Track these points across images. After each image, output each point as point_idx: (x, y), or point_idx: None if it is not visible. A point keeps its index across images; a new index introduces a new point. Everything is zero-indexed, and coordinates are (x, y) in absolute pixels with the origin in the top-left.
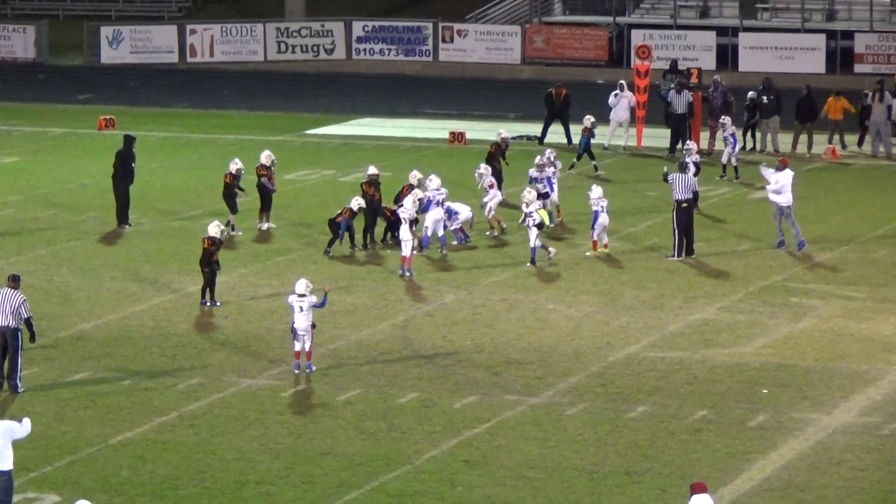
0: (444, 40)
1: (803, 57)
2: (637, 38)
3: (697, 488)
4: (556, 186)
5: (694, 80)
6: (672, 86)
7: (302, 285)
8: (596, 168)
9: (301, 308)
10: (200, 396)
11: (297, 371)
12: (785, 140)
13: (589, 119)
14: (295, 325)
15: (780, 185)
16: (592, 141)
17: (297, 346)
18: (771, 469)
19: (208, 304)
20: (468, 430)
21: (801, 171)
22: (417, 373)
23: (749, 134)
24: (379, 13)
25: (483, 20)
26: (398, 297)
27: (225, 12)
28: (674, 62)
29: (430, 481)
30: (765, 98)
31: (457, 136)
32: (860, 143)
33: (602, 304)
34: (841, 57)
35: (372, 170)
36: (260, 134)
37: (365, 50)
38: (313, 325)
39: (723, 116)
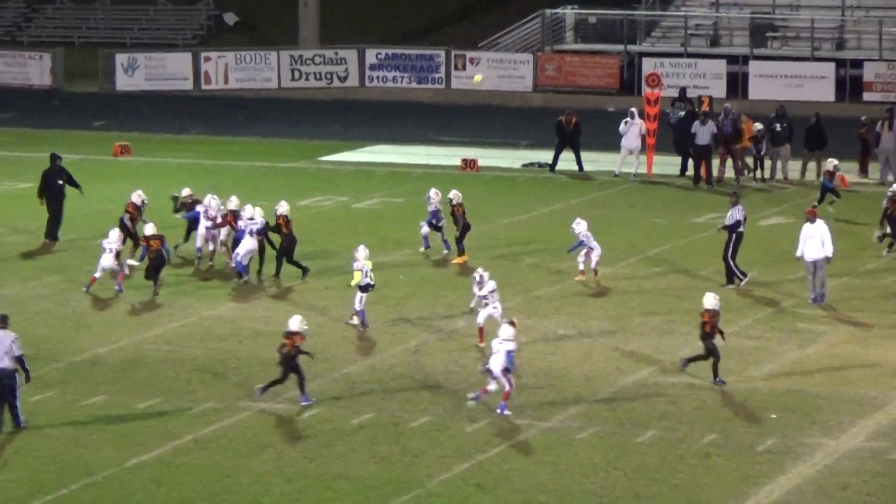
0: (456, 68)
1: (813, 85)
2: (648, 66)
3: None
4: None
5: (705, 107)
6: (681, 113)
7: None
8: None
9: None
10: (214, 420)
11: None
12: (794, 167)
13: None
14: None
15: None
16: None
17: None
18: (779, 493)
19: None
20: (479, 454)
21: (809, 198)
22: (429, 397)
23: (758, 163)
24: (392, 41)
25: (495, 48)
26: (411, 323)
27: (238, 40)
28: (682, 90)
29: None
30: (777, 126)
31: (469, 163)
32: (862, 170)
33: (612, 329)
34: (850, 85)
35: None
36: (274, 161)
37: (378, 77)
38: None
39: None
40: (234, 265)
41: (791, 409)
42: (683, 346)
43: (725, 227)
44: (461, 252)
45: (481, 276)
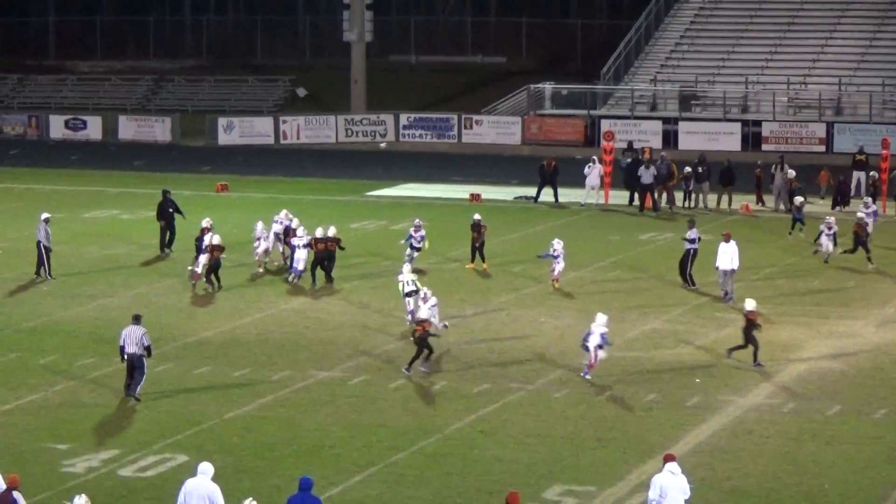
0: (465, 127)
1: (725, 139)
2: (605, 125)
3: (669, 458)
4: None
5: (647, 155)
6: (629, 160)
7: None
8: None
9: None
10: (289, 385)
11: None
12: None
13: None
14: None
15: (726, 254)
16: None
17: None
18: (702, 437)
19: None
20: (482, 408)
21: (722, 221)
22: (446, 367)
23: (687, 196)
24: (419, 108)
25: (493, 113)
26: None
27: (308, 107)
28: (630, 143)
29: (455, 445)
30: (700, 169)
31: (474, 196)
32: (759, 200)
33: (579, 318)
34: (752, 139)
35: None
36: (332, 195)
37: (409, 134)
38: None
39: None
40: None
41: (711, 375)
42: (631, 330)
43: (691, 240)
44: (483, 260)
45: (426, 294)
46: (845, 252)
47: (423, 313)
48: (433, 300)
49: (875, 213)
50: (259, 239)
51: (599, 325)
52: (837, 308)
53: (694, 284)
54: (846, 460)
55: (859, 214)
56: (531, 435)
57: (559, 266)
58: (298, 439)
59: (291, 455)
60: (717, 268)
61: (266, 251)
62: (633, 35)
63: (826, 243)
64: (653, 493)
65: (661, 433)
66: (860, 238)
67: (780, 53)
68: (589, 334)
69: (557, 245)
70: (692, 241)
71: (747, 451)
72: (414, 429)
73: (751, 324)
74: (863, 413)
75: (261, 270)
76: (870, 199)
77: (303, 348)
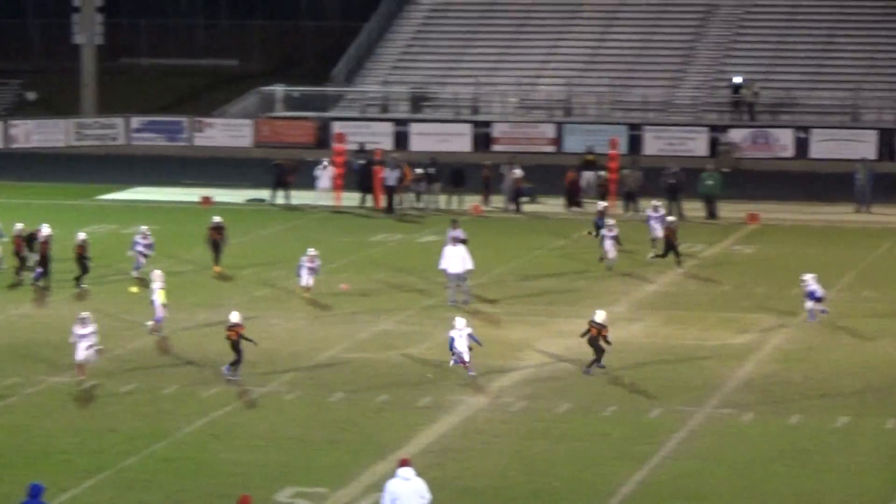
0: (197, 130)
1: (456, 140)
2: (336, 127)
3: (403, 463)
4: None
5: (378, 156)
6: (363, 161)
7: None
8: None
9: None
10: (18, 391)
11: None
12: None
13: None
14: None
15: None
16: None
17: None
18: (434, 436)
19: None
20: (214, 411)
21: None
22: (177, 370)
23: (417, 197)
24: (150, 111)
25: (225, 116)
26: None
27: (38, 111)
28: (361, 144)
29: (187, 449)
30: (431, 170)
31: (206, 199)
32: (486, 201)
33: (311, 320)
34: (483, 140)
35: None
36: (63, 199)
37: (140, 138)
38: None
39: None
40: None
41: (442, 375)
42: (362, 331)
43: (461, 240)
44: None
45: (84, 318)
46: (657, 256)
47: (82, 346)
48: (93, 326)
49: (663, 217)
50: None
51: (460, 328)
52: (567, 307)
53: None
54: (575, 458)
55: (657, 216)
56: (263, 437)
57: (310, 278)
58: (27, 445)
59: (20, 462)
60: (444, 270)
61: None
62: (364, 37)
63: (609, 248)
64: (384, 500)
65: (393, 434)
66: (671, 242)
67: (509, 55)
68: (453, 339)
69: (312, 252)
70: (460, 240)
71: (478, 451)
72: (145, 433)
73: (599, 335)
74: (591, 411)
75: None
76: (658, 203)
77: (31, 354)
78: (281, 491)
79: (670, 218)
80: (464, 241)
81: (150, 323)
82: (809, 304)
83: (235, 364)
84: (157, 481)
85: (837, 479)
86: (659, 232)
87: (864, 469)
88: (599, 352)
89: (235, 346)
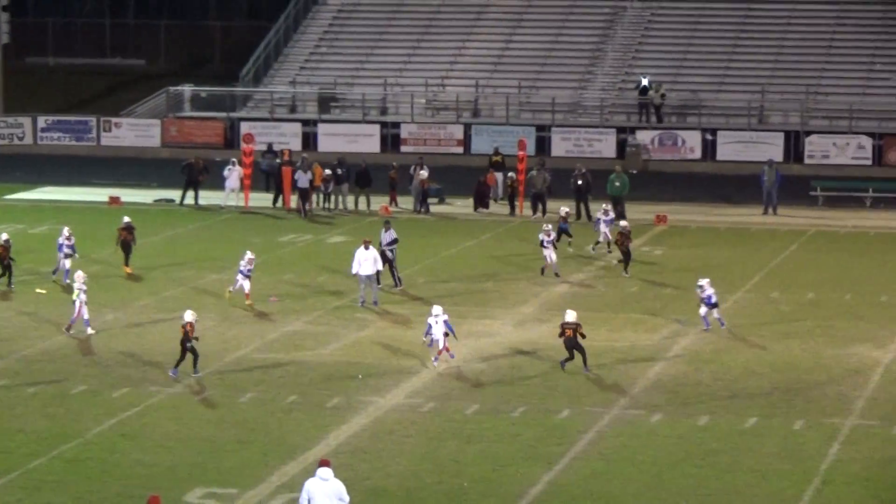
0: (104, 130)
1: (364, 140)
2: (245, 127)
3: (322, 463)
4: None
5: (286, 157)
6: (277, 161)
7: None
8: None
9: None
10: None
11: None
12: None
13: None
14: None
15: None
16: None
17: None
18: (343, 437)
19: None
20: (123, 412)
21: (363, 222)
22: (87, 371)
23: (326, 198)
24: (57, 111)
25: (133, 115)
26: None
27: None
28: (270, 145)
29: (96, 450)
30: (339, 170)
31: (114, 199)
32: (392, 202)
33: (220, 320)
34: (392, 140)
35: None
36: None
37: (47, 137)
38: None
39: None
40: None
41: (352, 376)
42: (271, 332)
43: (389, 244)
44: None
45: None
46: (621, 262)
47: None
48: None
49: (611, 220)
50: None
51: (437, 314)
52: (476, 308)
53: (400, 284)
54: (485, 458)
55: (607, 220)
56: (172, 438)
57: (245, 282)
58: None
59: None
60: (355, 274)
61: None
62: (272, 37)
63: (548, 253)
64: (302, 498)
65: (302, 434)
66: (624, 247)
67: (418, 56)
68: (430, 326)
69: (249, 255)
70: (391, 242)
71: (388, 451)
72: (53, 434)
73: (575, 334)
74: (501, 411)
75: None
76: (609, 206)
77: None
78: (191, 492)
79: (623, 223)
80: (395, 241)
81: (84, 328)
82: (704, 311)
83: (194, 362)
84: (66, 482)
85: (746, 479)
86: (606, 235)
87: (773, 470)
88: (582, 352)
89: (183, 345)
